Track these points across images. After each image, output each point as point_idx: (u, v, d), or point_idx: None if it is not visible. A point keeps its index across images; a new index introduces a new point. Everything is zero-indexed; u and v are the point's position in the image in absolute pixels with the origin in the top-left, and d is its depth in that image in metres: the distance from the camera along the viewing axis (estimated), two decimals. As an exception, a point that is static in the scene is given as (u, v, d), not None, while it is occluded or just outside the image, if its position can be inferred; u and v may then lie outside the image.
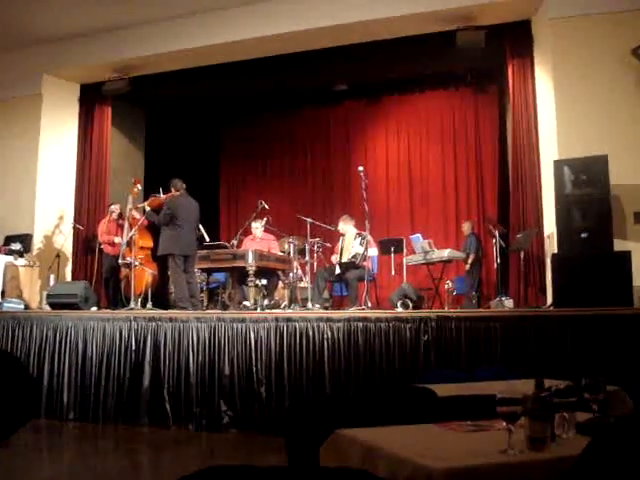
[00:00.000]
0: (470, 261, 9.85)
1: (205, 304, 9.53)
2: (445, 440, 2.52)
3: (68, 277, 10.77)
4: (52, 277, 10.15)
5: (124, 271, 9.36)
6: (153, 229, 9.74)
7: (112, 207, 10.11)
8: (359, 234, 8.94)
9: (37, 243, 10.44)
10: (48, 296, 9.03)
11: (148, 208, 8.74)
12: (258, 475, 2.03)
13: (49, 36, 10.51)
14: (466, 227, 10.43)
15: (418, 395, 3.34)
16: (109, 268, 9.88)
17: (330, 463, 2.59)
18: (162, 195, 8.72)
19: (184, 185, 8.68)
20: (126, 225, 9.22)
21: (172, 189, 8.63)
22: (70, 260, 10.98)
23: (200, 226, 8.95)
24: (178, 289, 8.47)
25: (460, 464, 2.15)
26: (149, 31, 10.15)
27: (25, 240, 10.18)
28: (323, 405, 3.42)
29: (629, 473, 1.89)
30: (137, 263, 8.83)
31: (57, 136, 11.04)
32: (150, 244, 9.88)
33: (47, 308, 8.94)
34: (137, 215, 9.38)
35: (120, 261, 9.26)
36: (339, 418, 2.87)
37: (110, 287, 9.96)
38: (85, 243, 11.01)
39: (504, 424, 2.35)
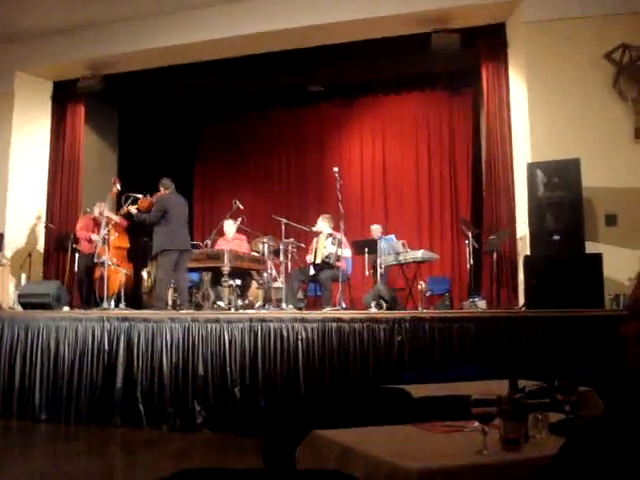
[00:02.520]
0: None
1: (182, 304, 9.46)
2: (421, 441, 2.54)
3: (40, 277, 10.65)
4: (24, 276, 10.05)
5: (98, 270, 9.28)
6: (132, 230, 9.71)
7: (97, 206, 9.88)
8: (330, 234, 8.97)
9: (9, 242, 10.29)
10: (20, 296, 8.94)
11: (135, 211, 8.71)
12: (232, 478, 2.03)
13: (21, 33, 10.38)
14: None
15: (393, 396, 3.36)
16: (84, 267, 9.78)
17: (307, 464, 2.60)
18: (149, 196, 8.71)
19: (173, 184, 8.71)
20: (103, 224, 9.14)
21: (161, 188, 8.68)
22: (42, 259, 10.86)
23: None
24: (159, 288, 8.43)
25: (436, 465, 2.17)
26: (123, 28, 10.06)
27: (-4, 239, 10.06)
28: (299, 406, 3.43)
29: (602, 473, 1.92)
30: (110, 263, 8.77)
31: (29, 134, 10.91)
32: (126, 244, 9.85)
33: (19, 308, 8.84)
34: (113, 216, 9.34)
35: (95, 260, 9.19)
36: (315, 419, 2.88)
37: (84, 287, 9.87)
38: (57, 242, 10.88)
39: (479, 424, 2.38)
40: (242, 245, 9.76)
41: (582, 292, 6.42)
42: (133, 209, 8.80)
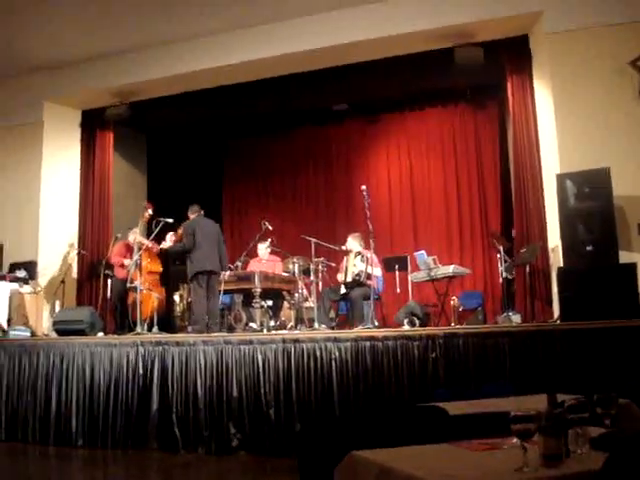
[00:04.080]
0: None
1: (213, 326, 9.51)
2: (460, 459, 2.51)
3: (73, 303, 10.75)
4: (57, 303, 10.16)
5: (131, 295, 9.36)
6: (164, 255, 9.80)
7: (132, 232, 9.97)
8: (359, 253, 8.96)
9: (42, 270, 10.43)
10: (54, 323, 9.02)
11: (169, 244, 8.85)
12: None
13: (48, 63, 10.56)
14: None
15: (430, 414, 3.33)
16: (117, 293, 9.86)
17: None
18: (178, 231, 9.05)
19: (200, 209, 8.85)
20: (135, 249, 9.25)
21: (189, 214, 8.83)
22: (75, 286, 10.97)
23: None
24: (194, 311, 8.55)
25: (476, 483, 2.15)
26: (149, 55, 10.20)
27: (30, 267, 10.19)
28: (335, 427, 3.42)
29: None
30: (142, 288, 8.84)
31: (59, 163, 11.07)
32: (159, 269, 9.92)
33: (53, 335, 8.93)
34: (145, 240, 9.42)
35: (128, 285, 9.27)
36: (351, 439, 2.86)
37: (117, 312, 9.95)
38: (90, 268, 11.00)
39: (517, 441, 2.35)
40: (276, 267, 9.79)
41: (617, 302, 6.32)
42: (166, 245, 9.02)
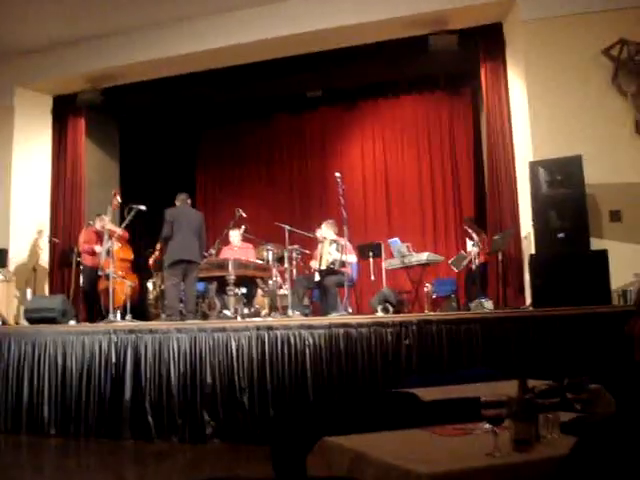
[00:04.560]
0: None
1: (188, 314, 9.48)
2: (431, 444, 2.52)
3: (45, 291, 10.66)
4: (29, 291, 10.06)
5: (103, 283, 9.28)
6: (134, 242, 9.71)
7: (99, 219, 9.87)
8: (334, 240, 8.95)
9: (13, 257, 10.31)
10: (26, 311, 8.93)
11: None
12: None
13: (20, 48, 10.42)
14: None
15: (402, 400, 3.34)
16: (88, 280, 9.78)
17: (318, 472, 2.59)
18: None
19: (186, 198, 8.74)
20: (105, 237, 9.15)
21: (175, 202, 8.79)
22: (47, 274, 10.87)
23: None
24: (169, 298, 8.47)
25: (447, 468, 2.16)
26: (120, 41, 10.09)
27: (0, 255, 10.06)
28: (308, 413, 3.42)
29: (615, 471, 1.90)
30: (115, 275, 8.77)
31: (30, 149, 10.93)
32: (130, 256, 9.85)
33: (25, 323, 8.84)
34: (115, 228, 9.34)
35: (99, 272, 9.19)
36: (325, 426, 2.86)
37: (89, 300, 9.86)
38: (62, 256, 10.90)
39: (489, 426, 2.36)
40: (249, 253, 9.75)
41: (589, 289, 6.39)
42: None
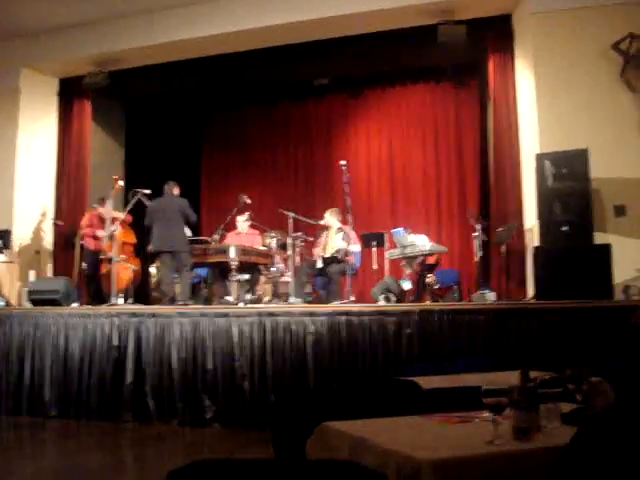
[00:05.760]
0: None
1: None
2: (432, 432, 2.53)
3: (49, 273, 10.67)
4: (32, 273, 10.07)
5: (105, 267, 9.30)
6: (136, 226, 9.71)
7: (100, 204, 9.86)
8: (340, 229, 8.94)
9: (17, 239, 10.31)
10: (29, 292, 8.95)
11: None
12: (245, 468, 2.03)
13: (27, 29, 10.39)
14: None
15: (403, 388, 3.35)
16: (90, 264, 9.79)
17: (317, 456, 2.60)
18: None
19: (170, 186, 8.76)
20: (108, 221, 9.17)
21: None
22: (50, 256, 10.88)
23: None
24: (161, 285, 8.58)
25: (447, 455, 2.16)
26: (129, 24, 10.06)
27: (4, 236, 10.06)
28: (309, 398, 3.43)
29: (614, 462, 1.91)
30: (118, 259, 8.79)
31: (36, 131, 10.92)
32: (133, 240, 9.86)
33: (28, 305, 8.87)
34: (117, 214, 9.34)
35: (101, 256, 9.21)
36: (325, 411, 2.87)
37: (92, 283, 9.88)
38: (65, 239, 10.90)
39: (489, 415, 2.37)
40: (255, 240, 9.75)
41: (591, 283, 6.40)
42: None
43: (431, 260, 9.15)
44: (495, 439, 2.28)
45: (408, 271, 9.05)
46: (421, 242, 8.84)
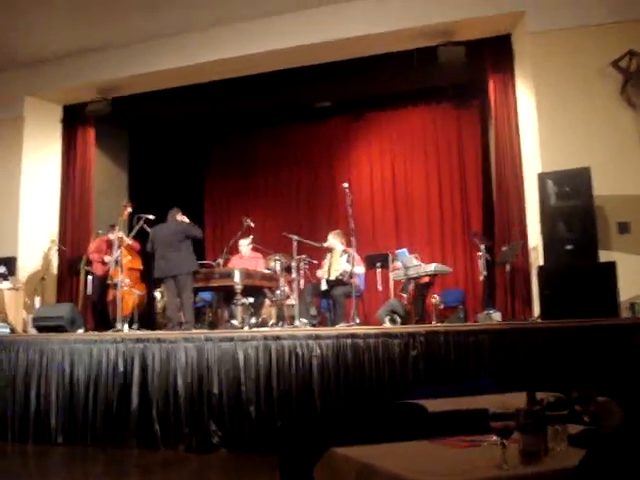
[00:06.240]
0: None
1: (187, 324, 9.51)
2: (439, 456, 2.51)
3: (53, 300, 10.68)
4: (37, 300, 10.08)
5: (112, 292, 9.30)
6: (143, 251, 9.74)
7: (113, 230, 9.82)
8: (345, 251, 8.94)
9: (21, 266, 10.34)
10: (34, 319, 8.96)
11: None
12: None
13: (30, 58, 10.48)
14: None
15: (409, 411, 3.33)
16: (97, 289, 9.80)
17: (324, 482, 2.59)
18: None
19: (173, 213, 8.81)
20: (115, 246, 9.19)
21: None
22: (55, 283, 10.89)
23: None
24: (166, 311, 8.63)
25: (455, 480, 2.15)
26: (130, 51, 10.15)
27: (9, 263, 10.09)
28: (316, 424, 3.41)
29: (624, 485, 1.90)
30: (123, 284, 8.79)
31: (40, 158, 10.98)
32: (139, 266, 9.87)
33: (33, 331, 8.86)
34: (125, 237, 9.36)
35: (108, 281, 9.22)
36: (331, 436, 2.86)
37: (97, 309, 9.88)
38: (70, 265, 10.93)
39: (497, 438, 2.35)
40: (258, 263, 9.77)
41: (597, 301, 6.37)
42: None
43: (425, 279, 9.17)
44: (503, 463, 2.27)
45: (405, 295, 9.06)
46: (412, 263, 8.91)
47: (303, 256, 9.29)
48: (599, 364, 5.68)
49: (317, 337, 6.69)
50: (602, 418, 2.68)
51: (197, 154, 13.67)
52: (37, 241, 10.75)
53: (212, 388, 6.90)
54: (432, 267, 8.95)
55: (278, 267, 9.32)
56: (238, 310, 8.68)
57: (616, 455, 1.95)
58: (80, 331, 8.69)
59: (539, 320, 6.99)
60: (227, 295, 9.17)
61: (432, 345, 6.27)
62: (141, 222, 8.87)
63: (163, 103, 11.12)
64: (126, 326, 8.54)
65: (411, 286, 9.09)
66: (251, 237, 9.82)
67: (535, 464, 2.31)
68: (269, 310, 9.73)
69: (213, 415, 6.85)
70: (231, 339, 6.99)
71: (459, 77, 10.34)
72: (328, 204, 12.39)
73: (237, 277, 8.43)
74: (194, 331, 7.86)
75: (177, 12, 9.26)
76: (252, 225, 9.59)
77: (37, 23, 9.46)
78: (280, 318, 9.03)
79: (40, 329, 8.63)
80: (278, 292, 9.26)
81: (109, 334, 7.90)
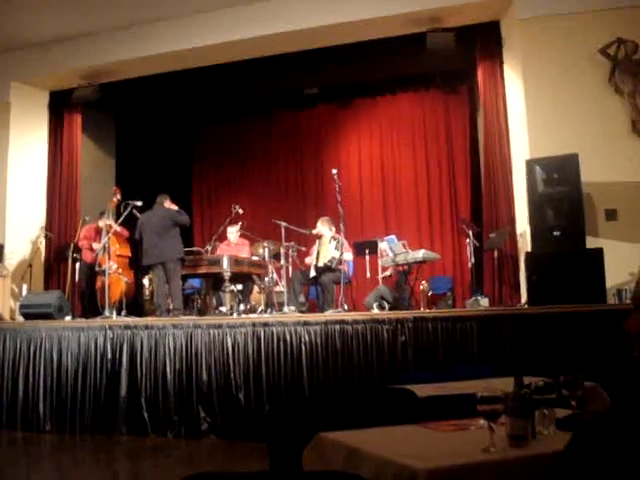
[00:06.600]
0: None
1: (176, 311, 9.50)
2: (427, 440, 2.53)
3: (41, 287, 10.64)
4: (25, 287, 10.04)
5: (100, 279, 9.27)
6: (133, 239, 9.70)
7: (102, 218, 9.76)
8: (334, 238, 8.94)
9: (8, 253, 10.28)
10: (21, 306, 8.92)
11: None
12: (242, 481, 2.03)
13: (16, 43, 10.39)
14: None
15: (398, 396, 3.35)
16: (85, 276, 9.77)
17: (313, 467, 2.59)
18: None
19: (160, 200, 8.74)
20: (103, 233, 9.15)
21: None
22: (43, 270, 10.85)
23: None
24: (155, 297, 8.62)
25: (443, 463, 2.16)
26: (117, 37, 10.07)
27: (-3, 250, 10.05)
28: (304, 408, 3.42)
29: (610, 468, 1.91)
30: (111, 271, 8.76)
31: (26, 144, 10.91)
32: (128, 253, 9.83)
33: (20, 319, 8.83)
34: (114, 224, 9.32)
35: (96, 268, 9.18)
36: (321, 421, 2.87)
37: (86, 296, 9.85)
38: (58, 252, 10.88)
39: (484, 422, 2.37)
40: (244, 250, 9.76)
41: (584, 287, 6.40)
42: None
43: (400, 269, 9.21)
44: (491, 446, 2.28)
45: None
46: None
47: (292, 243, 9.29)
48: (586, 350, 5.72)
49: (306, 323, 6.71)
50: (589, 402, 2.70)
51: (185, 140, 13.60)
52: (24, 228, 10.69)
53: (201, 375, 6.91)
54: (420, 254, 8.96)
55: (267, 254, 9.32)
56: (227, 297, 8.68)
57: (602, 439, 1.97)
58: (68, 318, 8.65)
59: (526, 306, 7.03)
60: (215, 282, 9.16)
61: (420, 331, 6.31)
62: (129, 209, 8.83)
63: (151, 89, 11.05)
64: (114, 313, 8.51)
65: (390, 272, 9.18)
66: (239, 224, 9.81)
67: (523, 447, 2.33)
68: (258, 297, 9.73)
69: (202, 401, 6.86)
70: (220, 326, 7.00)
71: (448, 63, 10.32)
72: (316, 191, 12.38)
73: (225, 264, 8.41)
74: (182, 318, 7.85)
75: (164, -3, 9.20)
76: (241, 212, 9.57)
77: (23, 8, 9.36)
78: (269, 305, 9.04)
79: (27, 316, 8.59)
80: (267, 279, 9.26)
81: (97, 321, 7.89)
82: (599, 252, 6.66)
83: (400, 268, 9.18)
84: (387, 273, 9.44)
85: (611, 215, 7.70)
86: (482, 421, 2.40)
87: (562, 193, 7.33)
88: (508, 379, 2.60)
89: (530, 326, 6.07)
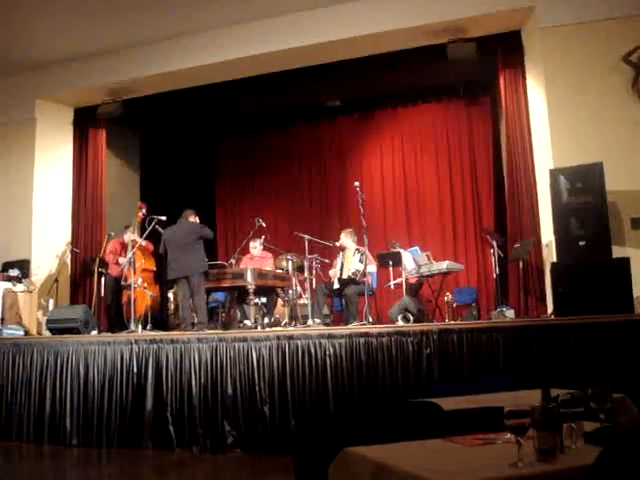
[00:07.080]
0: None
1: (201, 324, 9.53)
2: (454, 455, 2.50)
3: (67, 302, 10.73)
4: (51, 302, 10.13)
5: (126, 294, 9.33)
6: (158, 253, 9.76)
7: (128, 233, 9.84)
8: (358, 250, 8.92)
9: (35, 268, 10.40)
10: (48, 321, 9.00)
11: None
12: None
13: (41, 60, 10.54)
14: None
15: (424, 410, 3.32)
16: (111, 291, 9.84)
17: (339, 482, 2.58)
18: None
19: (186, 215, 8.76)
20: (129, 247, 9.23)
21: None
22: (69, 284, 10.95)
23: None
24: (180, 311, 8.64)
25: (470, 478, 2.14)
26: (141, 53, 10.19)
27: (23, 266, 10.16)
28: (330, 423, 3.41)
29: (641, 482, 1.88)
30: (136, 285, 8.82)
31: (52, 160, 11.04)
32: (153, 267, 9.89)
33: (47, 333, 8.90)
34: (139, 239, 9.38)
35: (122, 283, 9.24)
36: (346, 436, 2.85)
37: (112, 310, 9.91)
38: (83, 267, 10.98)
39: (512, 436, 2.34)
40: (267, 263, 9.78)
41: (611, 297, 6.33)
42: None
43: (412, 280, 9.18)
44: (519, 461, 2.26)
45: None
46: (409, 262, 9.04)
47: (315, 255, 9.29)
48: (614, 361, 5.65)
49: (330, 336, 6.68)
50: (617, 415, 2.67)
51: (208, 154, 13.70)
52: (50, 243, 10.81)
53: (226, 388, 6.91)
54: (444, 265, 8.94)
55: (290, 266, 9.32)
56: (251, 310, 8.69)
57: (632, 452, 1.94)
58: (94, 333, 8.72)
59: (553, 317, 6.96)
60: (240, 295, 9.18)
61: (445, 343, 6.26)
62: (153, 223, 8.89)
63: (174, 104, 11.14)
64: (140, 327, 8.56)
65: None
66: (263, 237, 9.83)
67: (551, 462, 2.29)
68: (282, 310, 9.74)
69: (227, 415, 6.86)
70: (244, 339, 7.00)
71: (470, 74, 10.33)
72: (339, 203, 12.39)
73: (249, 277, 8.43)
74: (207, 331, 7.86)
75: (186, 14, 9.28)
76: (264, 225, 9.59)
77: (46, 26, 9.50)
78: (293, 318, 9.04)
79: (54, 331, 8.67)
80: (290, 292, 9.26)
81: (123, 335, 7.93)
82: (626, 261, 6.59)
83: (413, 280, 9.19)
84: (397, 281, 9.40)
85: (637, 224, 7.62)
86: (509, 435, 2.37)
87: (587, 202, 7.27)
88: (535, 391, 2.57)
89: (557, 337, 6.00)
